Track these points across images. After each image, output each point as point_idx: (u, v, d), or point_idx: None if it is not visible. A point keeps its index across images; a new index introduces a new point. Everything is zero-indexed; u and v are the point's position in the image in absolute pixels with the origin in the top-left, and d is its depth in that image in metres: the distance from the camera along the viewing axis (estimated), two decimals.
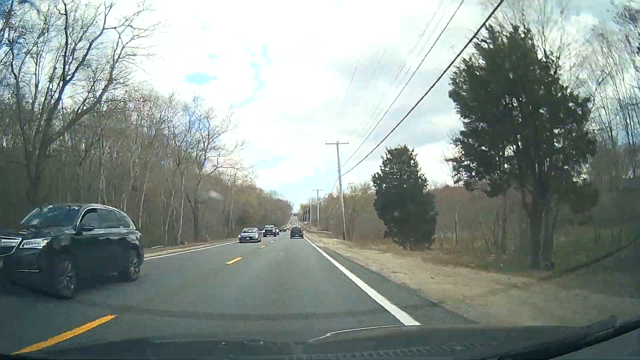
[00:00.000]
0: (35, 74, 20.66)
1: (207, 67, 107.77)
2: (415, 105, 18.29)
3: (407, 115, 22.04)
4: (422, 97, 18.25)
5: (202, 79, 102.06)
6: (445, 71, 13.85)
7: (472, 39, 12.34)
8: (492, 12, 11.31)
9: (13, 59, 19.23)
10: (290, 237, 51.79)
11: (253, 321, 5.43)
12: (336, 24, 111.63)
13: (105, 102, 23.40)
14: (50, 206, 9.60)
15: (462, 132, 14.08)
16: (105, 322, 4.85)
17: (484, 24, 11.93)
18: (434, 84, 15.17)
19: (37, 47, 20.31)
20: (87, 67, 21.45)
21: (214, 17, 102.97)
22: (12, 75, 19.36)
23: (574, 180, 12.95)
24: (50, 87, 20.57)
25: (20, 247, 6.30)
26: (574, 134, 12.55)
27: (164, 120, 34.68)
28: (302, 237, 51.58)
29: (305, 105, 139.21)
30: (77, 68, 20.85)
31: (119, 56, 22.07)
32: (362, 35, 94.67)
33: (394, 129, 25.84)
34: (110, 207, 10.67)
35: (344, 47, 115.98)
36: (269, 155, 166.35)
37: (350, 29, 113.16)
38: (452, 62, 13.21)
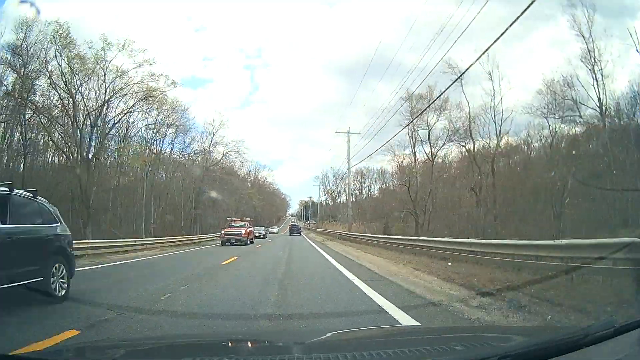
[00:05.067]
0: None
1: (202, 71, 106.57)
2: (421, 113, 18.14)
3: (411, 122, 21.96)
4: (429, 105, 18.11)
5: (197, 83, 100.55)
6: (462, 74, 13.86)
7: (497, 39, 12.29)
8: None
9: None
10: (290, 235, 52.79)
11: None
12: (333, 25, 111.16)
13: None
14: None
15: None
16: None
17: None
18: (443, 92, 15.10)
19: None
20: None
21: (208, 19, 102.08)
22: None
23: None
24: None
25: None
26: None
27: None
28: (300, 235, 52.20)
29: (302, 107, 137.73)
30: None
31: None
32: (360, 36, 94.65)
33: (397, 133, 25.83)
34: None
35: (341, 48, 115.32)
36: (266, 159, 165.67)
37: (348, 31, 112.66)
38: (473, 64, 13.11)
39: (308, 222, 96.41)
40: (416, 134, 34.99)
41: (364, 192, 69.02)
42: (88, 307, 5.84)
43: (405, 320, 4.90)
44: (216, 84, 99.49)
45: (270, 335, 3.65)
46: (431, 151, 34.37)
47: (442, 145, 33.81)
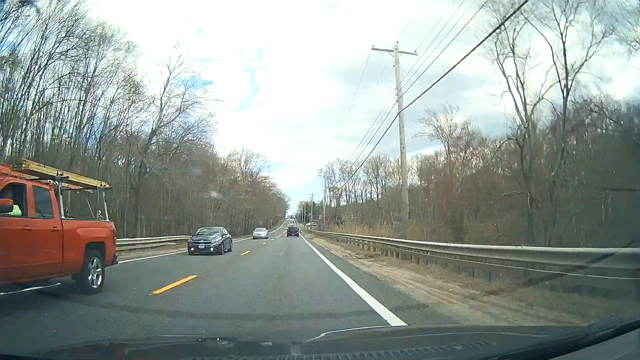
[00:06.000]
0: None
1: (202, 73, 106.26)
2: (405, 108, 17.82)
3: (395, 118, 21.37)
4: (414, 101, 17.68)
5: (197, 84, 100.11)
6: (447, 72, 13.59)
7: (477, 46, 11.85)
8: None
9: None
10: (287, 236, 52.94)
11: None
12: (333, 27, 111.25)
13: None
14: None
15: None
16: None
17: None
18: (432, 85, 14.87)
19: None
20: None
21: (209, 21, 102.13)
22: None
23: None
24: None
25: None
26: None
27: None
28: (298, 236, 52.26)
29: (301, 110, 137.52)
30: None
31: None
32: (360, 38, 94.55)
33: (386, 132, 23.52)
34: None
35: (341, 51, 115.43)
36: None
37: (348, 33, 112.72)
38: (456, 65, 12.88)
39: (309, 223, 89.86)
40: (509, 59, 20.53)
41: (379, 186, 60.47)
42: None
43: None
44: (216, 86, 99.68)
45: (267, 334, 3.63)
46: (565, 67, 18.53)
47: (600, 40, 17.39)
